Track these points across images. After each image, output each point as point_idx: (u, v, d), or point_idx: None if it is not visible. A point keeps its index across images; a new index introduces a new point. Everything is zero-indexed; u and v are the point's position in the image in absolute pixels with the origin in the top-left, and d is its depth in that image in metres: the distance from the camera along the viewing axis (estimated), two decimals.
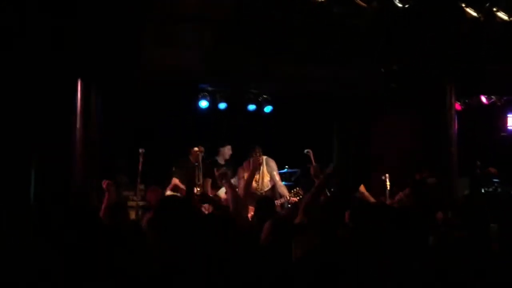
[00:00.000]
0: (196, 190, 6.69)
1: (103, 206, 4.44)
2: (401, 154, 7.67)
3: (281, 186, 7.20)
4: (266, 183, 7.23)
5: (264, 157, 7.24)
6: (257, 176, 7.09)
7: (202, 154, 7.11)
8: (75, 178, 5.52)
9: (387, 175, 6.90)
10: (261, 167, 7.19)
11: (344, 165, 9.30)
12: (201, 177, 7.07)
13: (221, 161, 7.64)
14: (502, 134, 9.71)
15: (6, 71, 5.24)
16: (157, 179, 7.55)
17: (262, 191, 7.12)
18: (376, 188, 7.63)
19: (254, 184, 6.99)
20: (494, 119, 9.71)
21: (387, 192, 6.93)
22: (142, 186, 7.13)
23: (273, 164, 7.30)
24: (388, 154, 7.96)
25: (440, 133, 7.05)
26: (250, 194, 6.63)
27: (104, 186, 4.71)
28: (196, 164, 7.11)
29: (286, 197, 6.91)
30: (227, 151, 7.61)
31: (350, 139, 9.42)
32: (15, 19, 5.15)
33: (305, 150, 7.07)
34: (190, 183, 5.07)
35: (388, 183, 6.86)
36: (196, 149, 7.10)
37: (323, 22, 6.19)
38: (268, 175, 7.24)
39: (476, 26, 5.76)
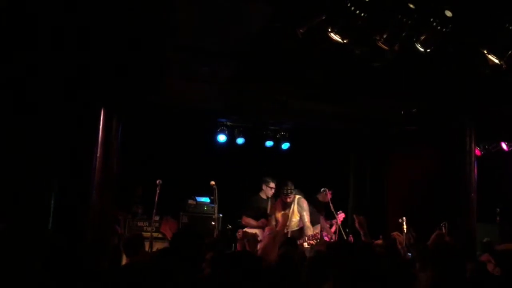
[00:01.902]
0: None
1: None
2: (417, 196, 7.58)
3: (309, 228, 6.99)
4: (295, 223, 7.05)
5: (297, 197, 7.12)
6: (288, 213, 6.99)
7: (274, 190, 7.39)
8: (93, 207, 5.53)
9: (404, 218, 6.81)
10: (292, 206, 7.05)
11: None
12: (269, 211, 7.39)
13: (263, 196, 7.68)
14: None
15: (31, 98, 5.36)
16: (172, 210, 7.57)
17: (288, 231, 6.93)
18: (393, 230, 7.52)
19: None
20: None
21: (404, 235, 6.81)
22: (157, 217, 7.14)
23: (305, 204, 7.12)
24: (404, 195, 7.88)
25: (459, 177, 6.95)
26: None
27: (120, 217, 4.72)
28: (267, 198, 7.49)
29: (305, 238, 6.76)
30: (270, 190, 7.71)
31: (367, 178, 9.37)
32: (42, 49, 5.29)
33: (322, 189, 7.04)
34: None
35: (405, 226, 6.76)
36: (273, 185, 7.36)
37: (343, 60, 6.24)
38: (298, 215, 7.06)
39: (497, 71, 5.75)
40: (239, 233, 4.48)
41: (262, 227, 7.15)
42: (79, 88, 5.63)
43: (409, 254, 5.15)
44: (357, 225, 4.93)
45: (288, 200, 7.00)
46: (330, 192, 7.17)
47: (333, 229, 7.38)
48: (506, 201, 8.62)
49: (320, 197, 7.68)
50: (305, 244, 6.60)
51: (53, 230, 4.97)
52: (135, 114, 7.03)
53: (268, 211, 7.47)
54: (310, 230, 6.94)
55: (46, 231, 4.92)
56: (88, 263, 3.79)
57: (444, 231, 6.53)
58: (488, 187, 7.84)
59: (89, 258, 4.59)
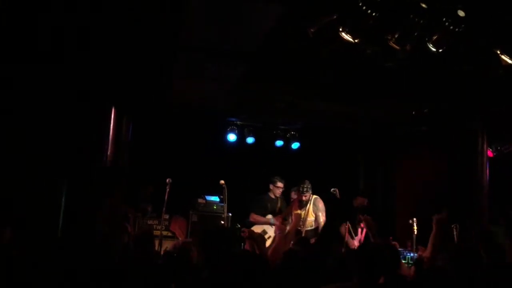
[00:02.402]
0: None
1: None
2: (428, 197, 7.52)
3: None
4: (310, 223, 7.10)
5: (313, 197, 7.16)
6: (302, 213, 7.05)
7: (282, 189, 7.45)
8: (104, 203, 5.57)
9: (414, 219, 6.75)
10: (308, 205, 7.09)
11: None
12: (277, 209, 7.51)
13: (272, 195, 7.72)
14: None
15: (42, 98, 5.41)
16: (181, 209, 7.58)
17: (303, 230, 6.97)
18: (402, 231, 7.47)
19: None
20: None
21: (414, 236, 6.76)
22: (166, 216, 7.16)
23: (321, 205, 7.17)
24: (415, 196, 7.82)
25: (471, 178, 6.89)
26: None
27: (130, 215, 4.74)
28: (276, 197, 7.55)
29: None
30: (277, 189, 7.79)
31: (377, 179, 9.32)
32: (54, 49, 5.34)
33: (332, 189, 7.00)
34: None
35: (415, 227, 6.70)
36: (280, 184, 7.41)
37: (354, 60, 6.20)
38: (313, 215, 7.11)
39: (511, 72, 5.68)
40: (245, 233, 4.48)
41: (271, 224, 7.20)
42: (90, 88, 5.67)
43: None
44: (364, 225, 4.90)
45: (304, 198, 7.05)
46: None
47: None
48: None
49: (355, 202, 7.65)
50: None
51: (64, 228, 5.01)
52: (146, 114, 7.05)
53: (277, 210, 7.48)
54: None
55: (57, 229, 4.96)
56: (99, 261, 3.80)
57: (455, 233, 6.46)
58: (500, 189, 7.76)
59: (100, 256, 4.60)
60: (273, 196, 7.66)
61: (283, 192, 7.77)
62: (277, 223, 6.78)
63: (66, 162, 5.37)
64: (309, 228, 7.07)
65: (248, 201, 7.78)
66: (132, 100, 6.32)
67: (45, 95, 5.30)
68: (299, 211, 6.89)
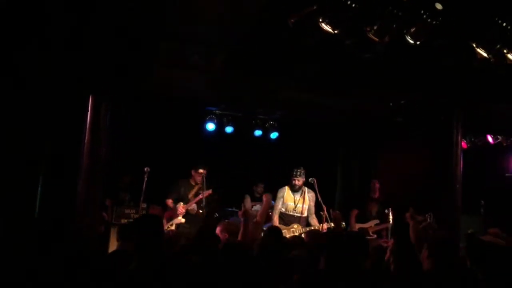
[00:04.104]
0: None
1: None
2: (403, 188, 7.64)
3: (314, 218, 7.20)
4: (300, 209, 7.17)
5: (306, 189, 7.26)
6: (297, 198, 7.13)
7: (205, 175, 7.19)
8: (80, 193, 5.51)
9: (390, 208, 6.88)
10: (303, 194, 7.19)
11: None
12: (191, 196, 7.29)
13: (192, 182, 7.54)
14: (507, 174, 9.70)
15: (19, 84, 5.30)
16: (159, 198, 7.56)
17: (294, 215, 7.15)
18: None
19: (291, 205, 7.15)
20: (499, 159, 9.70)
21: (389, 226, 6.89)
22: (144, 205, 7.14)
23: (313, 196, 7.25)
24: (392, 186, 7.94)
25: (446, 169, 7.03)
26: (286, 216, 7.10)
27: (108, 204, 4.71)
28: (196, 184, 7.24)
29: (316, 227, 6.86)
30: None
31: (354, 168, 9.43)
32: (31, 35, 5.24)
33: (310, 179, 7.08)
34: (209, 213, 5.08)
35: (391, 217, 6.83)
36: (201, 171, 7.19)
37: (334, 51, 6.24)
38: (308, 203, 7.21)
39: (486, 65, 5.80)
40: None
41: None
42: (66, 75, 5.58)
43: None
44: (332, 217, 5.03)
45: (296, 182, 7.14)
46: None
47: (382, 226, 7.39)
48: (490, 193, 8.75)
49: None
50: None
51: (40, 217, 4.95)
52: (124, 102, 6.98)
53: (190, 196, 7.33)
54: (315, 220, 7.17)
55: (33, 218, 4.89)
56: (75, 250, 3.78)
57: (429, 221, 6.60)
58: (473, 180, 7.94)
59: (76, 244, 4.57)
60: (193, 183, 7.46)
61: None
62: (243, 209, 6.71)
63: (42, 149, 5.29)
64: (297, 215, 7.15)
65: (229, 190, 7.74)
66: (110, 88, 6.23)
67: (21, 82, 5.20)
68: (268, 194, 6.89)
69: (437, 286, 3.22)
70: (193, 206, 7.24)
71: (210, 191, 7.20)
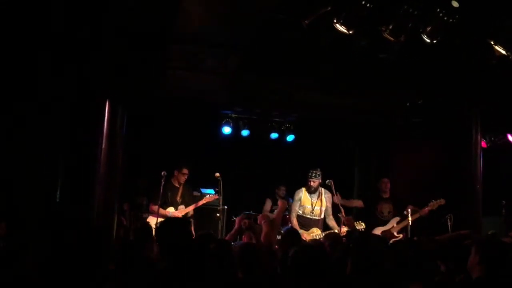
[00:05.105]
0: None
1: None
2: (422, 189, 7.54)
3: (332, 220, 7.11)
4: (317, 212, 7.09)
5: (324, 190, 7.19)
6: (314, 200, 7.11)
7: (187, 176, 7.19)
8: (98, 197, 5.55)
9: (409, 210, 6.78)
10: (320, 195, 7.13)
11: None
12: (179, 198, 7.17)
13: (175, 183, 7.33)
14: None
15: (38, 91, 5.38)
16: None
17: (312, 218, 7.08)
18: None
19: (308, 208, 7.10)
20: None
21: (408, 227, 6.79)
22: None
23: (329, 197, 7.17)
24: (410, 187, 7.84)
25: (465, 169, 6.93)
26: (303, 219, 7.05)
27: (126, 208, 4.73)
28: (180, 185, 7.22)
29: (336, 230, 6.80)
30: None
31: (371, 169, 9.34)
32: (48, 42, 5.31)
33: (327, 181, 7.03)
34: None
35: (410, 218, 6.73)
36: (185, 171, 7.15)
37: (349, 52, 6.21)
38: (325, 205, 7.14)
39: (504, 63, 5.71)
40: (245, 224, 4.50)
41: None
42: (84, 82, 5.64)
43: None
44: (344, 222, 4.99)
45: (312, 184, 7.08)
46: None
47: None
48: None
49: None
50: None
51: (60, 224, 5.00)
52: (140, 107, 7.03)
53: (179, 199, 7.16)
54: (333, 222, 7.10)
55: (52, 226, 4.94)
56: (94, 255, 3.80)
57: (449, 223, 6.50)
58: (494, 180, 7.81)
59: (95, 249, 4.60)
60: (176, 184, 7.25)
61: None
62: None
63: (60, 155, 5.35)
64: (317, 218, 7.10)
65: (244, 193, 7.70)
66: (127, 93, 6.29)
67: (39, 89, 5.27)
68: (285, 201, 6.82)
69: None
70: (191, 212, 7.18)
71: (216, 196, 7.16)
